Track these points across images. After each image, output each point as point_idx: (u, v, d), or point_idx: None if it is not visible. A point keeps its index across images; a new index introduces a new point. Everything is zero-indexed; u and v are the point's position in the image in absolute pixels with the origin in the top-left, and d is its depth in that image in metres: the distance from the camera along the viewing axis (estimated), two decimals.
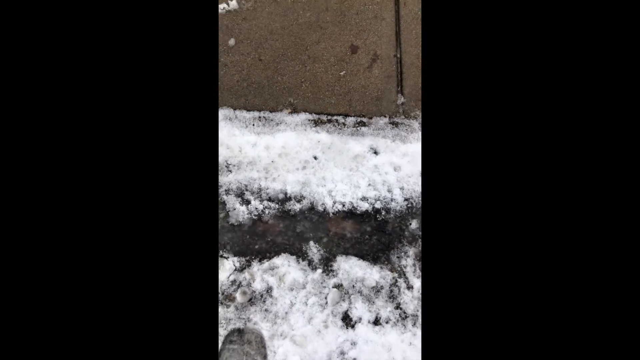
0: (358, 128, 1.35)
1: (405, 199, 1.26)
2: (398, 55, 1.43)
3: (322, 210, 1.26)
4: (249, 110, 1.36)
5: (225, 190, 1.28)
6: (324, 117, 1.36)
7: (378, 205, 1.25)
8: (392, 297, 1.15)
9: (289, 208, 1.26)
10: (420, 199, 1.26)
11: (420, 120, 1.36)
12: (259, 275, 1.18)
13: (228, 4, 1.50)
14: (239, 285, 1.17)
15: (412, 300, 1.14)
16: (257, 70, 1.41)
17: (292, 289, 1.15)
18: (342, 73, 1.40)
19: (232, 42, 1.45)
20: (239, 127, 1.34)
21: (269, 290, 1.16)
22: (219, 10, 1.49)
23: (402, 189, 1.27)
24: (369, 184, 1.27)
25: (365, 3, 1.51)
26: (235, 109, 1.36)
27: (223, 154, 1.31)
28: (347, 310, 1.14)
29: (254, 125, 1.35)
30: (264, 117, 1.36)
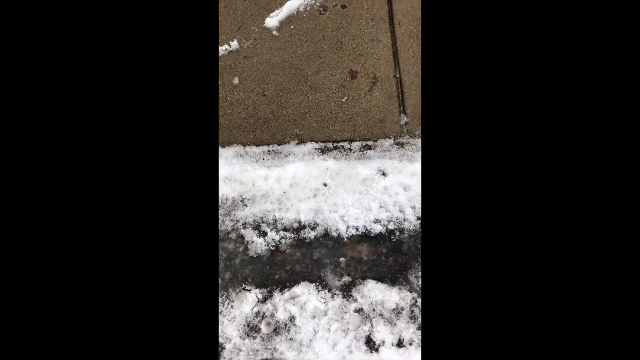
0: (364, 152, 1.38)
1: (418, 218, 1.28)
2: (397, 76, 1.46)
3: (337, 235, 1.29)
4: (258, 145, 1.42)
5: (243, 224, 1.33)
6: (330, 145, 1.40)
7: (391, 226, 1.28)
8: (413, 317, 1.17)
9: (305, 236, 1.30)
10: None
11: None
12: (281, 305, 1.21)
13: (229, 45, 1.57)
14: (263, 316, 1.21)
15: None
16: (262, 105, 1.47)
17: (314, 317, 1.19)
18: (343, 99, 1.44)
19: (236, 80, 1.52)
20: (250, 162, 1.40)
21: (292, 319, 1.19)
22: (221, 52, 1.57)
23: (413, 208, 1.29)
24: (380, 206, 1.30)
25: (361, 27, 1.56)
26: (245, 145, 1.42)
27: (237, 189, 1.37)
28: (370, 334, 1.16)
29: (264, 159, 1.40)
30: (272, 150, 1.41)
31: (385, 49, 1.50)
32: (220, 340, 1.20)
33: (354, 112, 1.42)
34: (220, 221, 1.34)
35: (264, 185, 1.36)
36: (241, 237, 1.31)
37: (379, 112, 1.42)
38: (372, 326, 1.16)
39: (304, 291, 1.22)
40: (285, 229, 1.31)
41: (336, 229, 1.29)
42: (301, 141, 1.41)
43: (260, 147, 1.42)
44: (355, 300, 1.20)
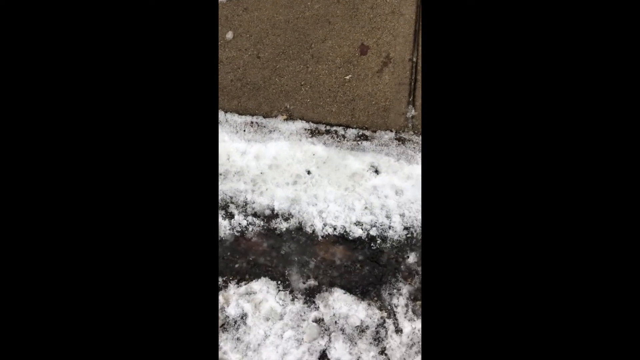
0: (359, 142, 1.20)
1: (405, 228, 1.11)
2: (414, 60, 1.25)
3: (311, 232, 1.14)
4: (241, 114, 1.24)
5: None
6: (322, 127, 1.22)
7: (374, 232, 1.12)
8: (377, 339, 1.03)
9: (275, 226, 1.15)
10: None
11: None
12: (235, 299, 1.08)
13: None
14: None
15: (399, 346, 1.01)
16: (254, 69, 1.28)
17: (268, 319, 1.05)
18: (347, 77, 1.25)
19: (229, 35, 1.32)
20: (229, 132, 1.23)
21: (243, 317, 1.07)
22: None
23: (402, 216, 1.12)
24: (365, 207, 1.13)
25: None
26: (226, 112, 1.25)
27: None
28: (326, 349, 1.03)
29: (245, 131, 1.23)
30: (256, 122, 1.23)
31: (407, 25, 1.28)
32: None
33: (356, 94, 1.23)
34: None
35: (240, 161, 1.20)
36: None
37: (384, 99, 1.22)
38: (329, 341, 1.03)
39: (263, 288, 1.09)
40: (255, 215, 1.16)
41: (311, 225, 1.14)
42: (290, 117, 1.23)
43: (244, 116, 1.24)
44: (317, 309, 1.06)
